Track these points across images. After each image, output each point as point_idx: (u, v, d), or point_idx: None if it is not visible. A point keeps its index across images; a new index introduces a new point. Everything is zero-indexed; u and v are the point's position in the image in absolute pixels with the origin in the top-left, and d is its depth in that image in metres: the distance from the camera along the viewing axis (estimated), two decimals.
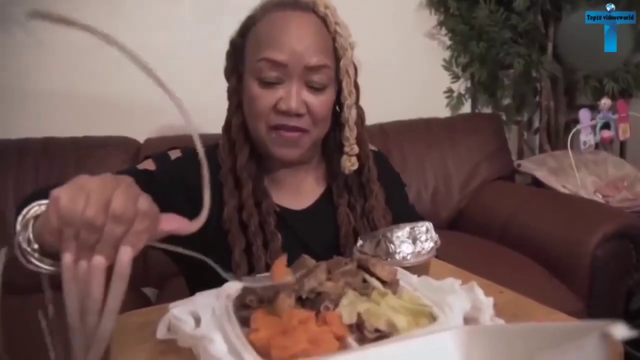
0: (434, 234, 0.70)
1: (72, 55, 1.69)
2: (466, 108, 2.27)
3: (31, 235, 0.48)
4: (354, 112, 0.79)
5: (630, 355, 1.48)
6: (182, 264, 0.85)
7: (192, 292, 0.81)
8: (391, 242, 0.67)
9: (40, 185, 1.50)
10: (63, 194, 0.42)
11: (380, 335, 0.48)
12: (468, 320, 0.52)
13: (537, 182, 1.91)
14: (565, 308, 0.61)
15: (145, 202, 0.45)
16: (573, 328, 0.35)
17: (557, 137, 2.17)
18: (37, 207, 0.49)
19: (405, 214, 0.89)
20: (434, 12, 2.16)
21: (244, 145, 0.79)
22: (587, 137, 1.79)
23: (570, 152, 1.74)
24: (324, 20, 0.77)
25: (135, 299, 1.41)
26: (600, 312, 1.32)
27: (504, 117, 2.24)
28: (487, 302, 0.54)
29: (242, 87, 0.79)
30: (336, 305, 0.51)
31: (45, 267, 0.48)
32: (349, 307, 0.50)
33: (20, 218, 0.49)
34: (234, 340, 0.45)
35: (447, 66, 2.21)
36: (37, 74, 1.67)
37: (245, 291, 0.53)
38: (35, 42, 1.64)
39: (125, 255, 0.43)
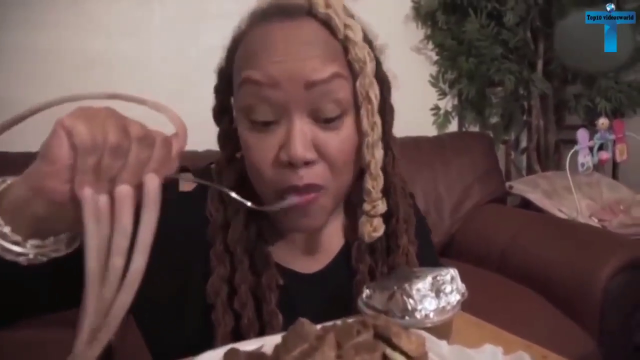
0: (460, 284, 0.56)
1: (39, 59, 1.59)
2: (453, 126, 2.19)
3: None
4: (378, 153, 0.56)
5: None
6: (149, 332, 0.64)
7: None
8: (410, 296, 0.52)
9: None
10: (79, 122, 0.37)
11: None
12: None
13: (526, 204, 1.82)
14: (578, 348, 0.51)
15: (156, 131, 0.41)
16: None
17: (547, 157, 2.10)
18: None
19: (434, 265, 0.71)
20: (420, 25, 2.08)
21: (238, 210, 0.58)
22: (585, 159, 1.71)
23: (569, 174, 1.65)
24: (326, 24, 0.54)
25: None
26: (611, 349, 1.21)
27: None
28: None
29: (238, 132, 0.58)
30: None
31: (46, 243, 0.41)
32: None
33: None
34: None
35: (434, 82, 2.12)
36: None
37: None
38: None
39: (153, 181, 0.39)
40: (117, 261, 0.37)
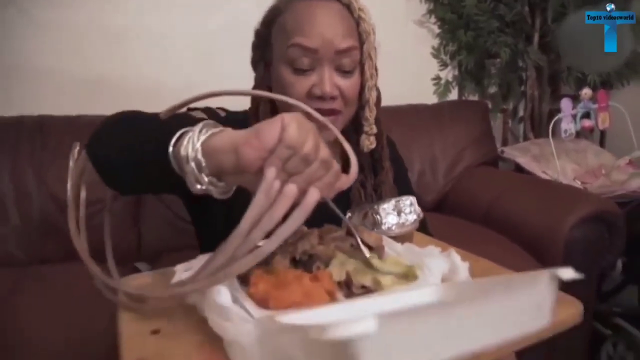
0: (417, 208, 0.75)
1: (68, 33, 1.71)
2: (453, 95, 2.32)
3: (200, 153, 0.49)
4: (374, 93, 0.85)
5: (597, 332, 1.57)
6: (204, 230, 0.89)
7: None
8: (377, 213, 0.72)
9: (35, 160, 1.53)
10: (293, 123, 0.45)
11: (366, 292, 0.53)
12: (446, 281, 0.57)
13: (520, 169, 1.98)
14: None
15: (335, 161, 0.50)
16: (529, 275, 0.41)
17: (541, 125, 2.23)
18: (192, 133, 0.51)
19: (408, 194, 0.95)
20: (423, 0, 2.19)
21: None
22: (568, 126, 1.86)
23: (551, 139, 1.81)
24: (347, 6, 0.81)
25: (129, 274, 1.46)
26: (573, 292, 1.38)
27: (490, 105, 2.30)
28: (463, 266, 0.60)
29: (270, 75, 0.84)
30: (327, 266, 0.57)
31: (220, 185, 0.50)
32: (339, 267, 0.56)
33: (192, 141, 0.50)
34: (236, 293, 0.50)
35: (436, 54, 2.25)
36: (32, 51, 1.68)
37: None
38: (29, 20, 1.66)
39: (314, 196, 0.45)
40: (257, 235, 0.44)
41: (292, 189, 0.44)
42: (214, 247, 0.65)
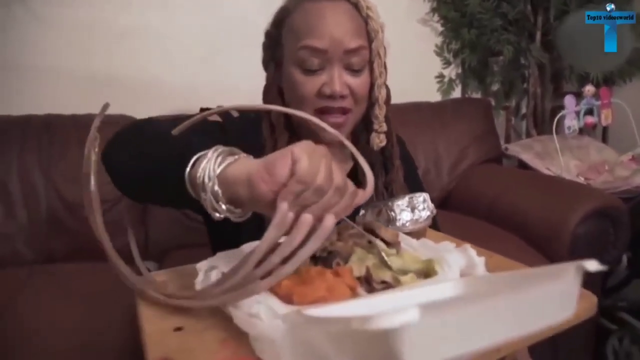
0: (430, 204, 0.76)
1: (73, 32, 1.71)
2: (456, 93, 2.33)
3: (217, 185, 0.50)
4: (383, 91, 0.85)
5: (603, 327, 1.59)
6: (213, 228, 0.90)
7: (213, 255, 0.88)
8: (392, 210, 0.73)
9: (43, 159, 1.53)
10: (304, 156, 0.46)
11: (386, 287, 0.54)
12: (464, 276, 0.58)
13: (523, 166, 1.99)
14: None
15: (349, 182, 0.50)
16: (554, 268, 0.42)
17: (543, 122, 2.24)
18: (209, 160, 0.51)
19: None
20: None
21: (283, 130, 0.84)
22: (571, 123, 1.87)
23: (554, 136, 1.82)
24: (355, 5, 0.82)
25: (137, 272, 1.46)
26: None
27: (492, 103, 2.31)
28: (480, 261, 0.61)
29: (281, 75, 0.84)
30: (346, 262, 0.58)
31: (237, 211, 0.51)
32: (359, 262, 0.56)
33: (207, 170, 0.50)
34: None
35: (439, 52, 2.26)
36: (38, 50, 1.68)
37: None
38: (35, 18, 1.66)
39: (330, 222, 0.46)
40: (275, 259, 0.46)
41: (307, 219, 0.45)
42: (226, 246, 0.66)
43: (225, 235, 0.83)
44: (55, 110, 1.63)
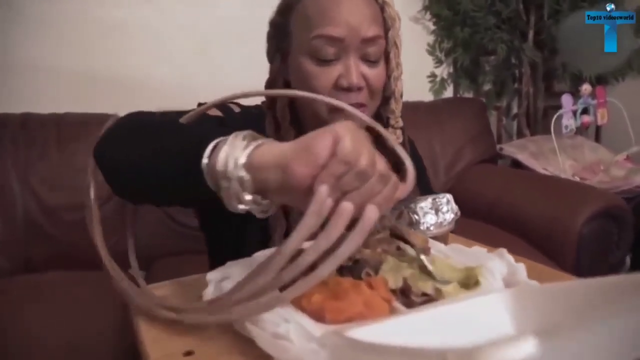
0: (454, 205, 0.70)
1: (53, 29, 1.62)
2: (448, 93, 2.30)
3: (243, 171, 0.43)
4: (400, 84, 0.78)
5: None
6: (212, 234, 0.83)
7: (212, 264, 0.81)
8: (414, 212, 0.67)
9: (19, 161, 1.43)
10: (348, 134, 0.40)
11: (427, 300, 0.48)
12: (506, 284, 0.52)
13: (517, 166, 1.96)
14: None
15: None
16: (621, 281, 0.36)
17: (536, 122, 2.23)
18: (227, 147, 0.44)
19: (429, 192, 0.90)
20: None
21: (289, 128, 0.77)
22: (568, 122, 1.85)
23: (553, 136, 1.79)
24: None
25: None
26: None
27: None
28: (520, 267, 0.55)
29: (287, 67, 0.77)
30: (376, 272, 0.51)
31: (263, 203, 0.45)
32: (393, 273, 0.50)
33: (232, 155, 0.44)
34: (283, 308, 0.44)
35: (431, 51, 2.22)
36: (15, 45, 1.59)
37: None
38: (18, 13, 1.57)
39: (374, 213, 0.40)
40: (309, 257, 0.40)
41: (348, 207, 0.39)
42: (226, 253, 0.59)
43: (228, 243, 0.76)
44: (33, 108, 1.53)
